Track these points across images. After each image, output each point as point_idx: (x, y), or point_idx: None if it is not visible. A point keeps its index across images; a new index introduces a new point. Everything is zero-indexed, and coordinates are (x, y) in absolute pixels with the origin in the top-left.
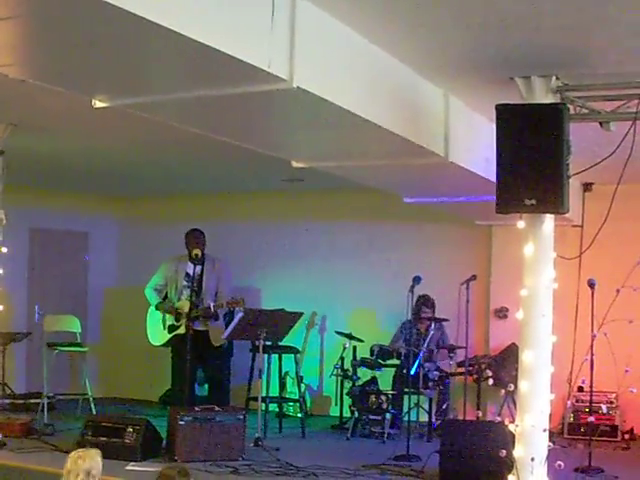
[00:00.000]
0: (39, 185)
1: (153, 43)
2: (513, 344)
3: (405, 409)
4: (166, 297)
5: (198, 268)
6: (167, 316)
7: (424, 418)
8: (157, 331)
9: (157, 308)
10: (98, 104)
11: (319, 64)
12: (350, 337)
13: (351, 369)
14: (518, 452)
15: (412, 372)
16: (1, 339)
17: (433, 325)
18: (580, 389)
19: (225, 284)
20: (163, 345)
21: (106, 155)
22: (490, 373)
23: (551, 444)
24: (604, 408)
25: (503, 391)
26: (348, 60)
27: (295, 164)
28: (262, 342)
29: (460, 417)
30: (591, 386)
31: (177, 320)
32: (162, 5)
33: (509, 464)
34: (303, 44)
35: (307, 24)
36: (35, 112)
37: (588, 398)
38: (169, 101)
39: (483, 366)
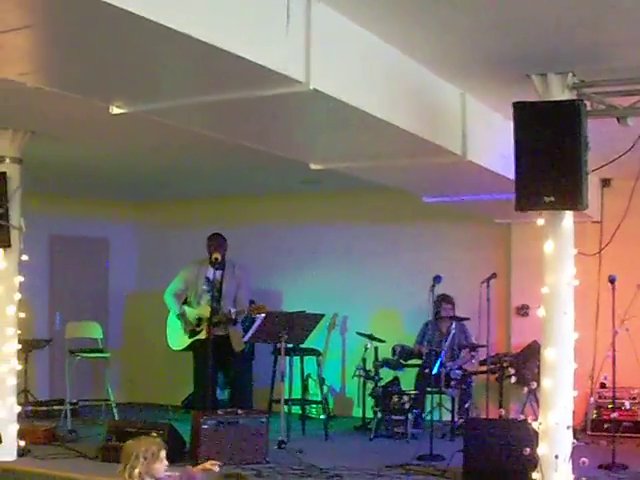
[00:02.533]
0: (58, 192)
1: (170, 48)
2: (535, 342)
3: (428, 409)
4: (186, 301)
5: (218, 273)
6: (189, 322)
7: (447, 417)
8: (177, 336)
9: (177, 318)
10: (116, 110)
11: (335, 66)
12: (371, 338)
13: (373, 370)
14: (542, 450)
15: (434, 372)
16: (23, 346)
17: (454, 324)
18: (602, 385)
19: (245, 290)
20: (183, 350)
21: (124, 161)
22: (512, 371)
23: (575, 441)
24: (627, 404)
25: (526, 389)
26: (364, 61)
27: (313, 166)
28: (284, 344)
29: (483, 416)
30: (613, 382)
31: (198, 325)
32: (178, 10)
33: (533, 462)
34: (319, 46)
35: (323, 26)
36: (53, 119)
37: (611, 394)
38: (186, 106)
39: (505, 364)
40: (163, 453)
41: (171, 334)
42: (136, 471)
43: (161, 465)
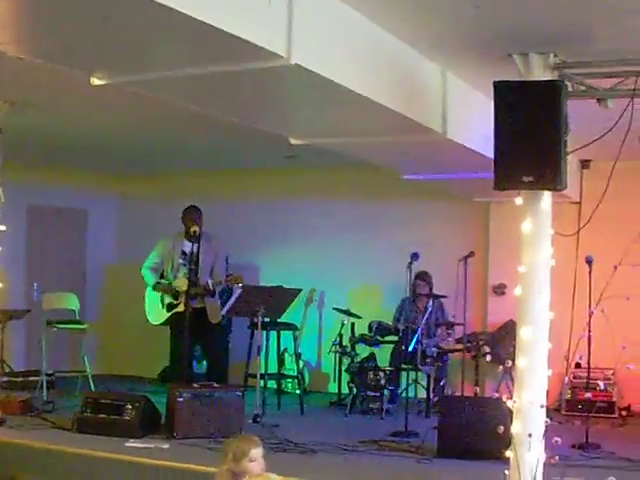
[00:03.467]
0: (37, 163)
1: (152, 21)
2: (511, 320)
3: (403, 385)
4: (162, 275)
5: (194, 246)
6: (165, 295)
7: (422, 394)
8: (156, 310)
9: (155, 288)
10: (96, 82)
11: (317, 41)
12: (348, 314)
13: (349, 345)
14: (515, 428)
15: (410, 348)
16: (0, 317)
17: (431, 302)
18: (577, 365)
19: (221, 261)
20: (162, 324)
21: (105, 132)
22: (488, 349)
23: (548, 420)
24: (601, 385)
25: (501, 367)
26: (346, 37)
27: (293, 141)
28: (260, 319)
29: (458, 393)
30: (588, 363)
31: (175, 298)
32: None
33: (507, 440)
34: (301, 21)
35: (305, 1)
36: (32, 90)
37: (585, 375)
38: (168, 79)
39: (481, 343)
40: (254, 453)
41: (149, 308)
42: (224, 468)
43: (252, 464)
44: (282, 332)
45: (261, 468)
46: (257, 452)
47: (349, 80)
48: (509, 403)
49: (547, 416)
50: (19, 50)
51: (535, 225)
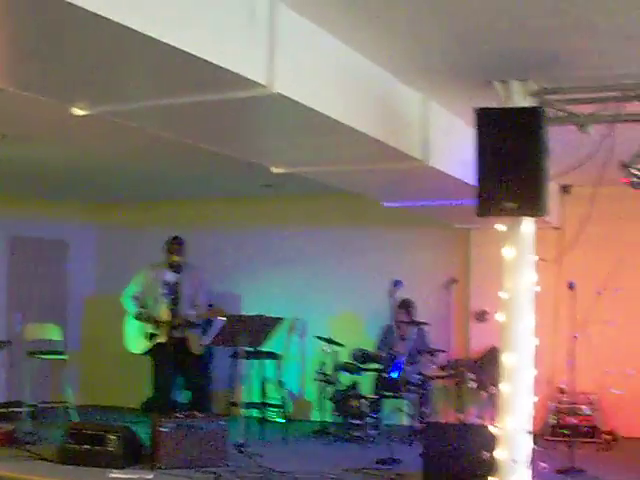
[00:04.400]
0: (18, 193)
1: (132, 50)
2: (494, 347)
3: (386, 413)
4: (143, 305)
5: (176, 276)
6: (147, 325)
7: (406, 422)
8: (137, 339)
9: (136, 318)
10: (77, 112)
11: (298, 70)
12: (330, 342)
13: (332, 374)
14: (500, 454)
15: (393, 376)
16: None
17: (413, 329)
18: (561, 391)
19: (203, 292)
20: (143, 354)
21: (85, 163)
22: (471, 376)
23: (535, 446)
24: (585, 409)
25: (484, 394)
26: (328, 66)
27: (275, 170)
28: (243, 348)
29: (442, 420)
30: (572, 388)
31: (157, 328)
32: (140, 11)
33: (491, 466)
34: (283, 50)
35: (287, 30)
36: (12, 121)
37: (569, 400)
38: (149, 108)
39: (464, 369)
40: None
41: (130, 337)
42: None
43: None
44: (264, 361)
45: None
46: None
47: (331, 109)
48: (493, 429)
49: (533, 442)
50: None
51: (517, 251)
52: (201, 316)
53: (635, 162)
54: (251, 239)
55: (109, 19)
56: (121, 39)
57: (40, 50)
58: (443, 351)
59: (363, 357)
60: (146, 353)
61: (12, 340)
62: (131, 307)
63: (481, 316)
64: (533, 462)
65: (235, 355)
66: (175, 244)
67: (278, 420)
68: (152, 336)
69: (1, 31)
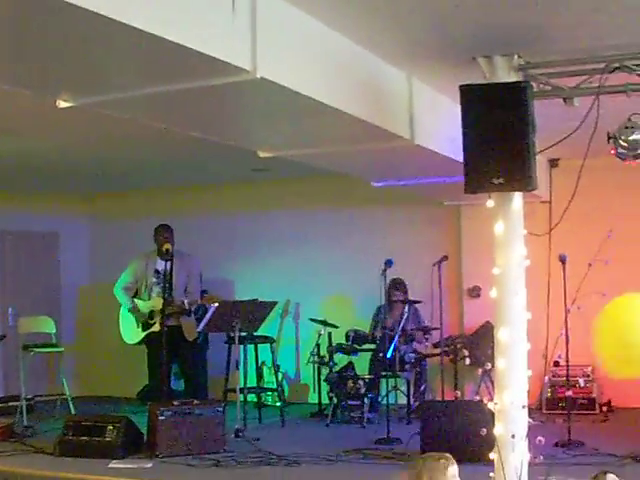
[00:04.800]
0: (6, 187)
1: (114, 40)
2: (487, 322)
3: (383, 393)
4: (136, 294)
5: (168, 264)
6: (141, 316)
7: (402, 401)
8: (131, 330)
9: (130, 311)
10: (62, 104)
11: (281, 53)
12: (324, 324)
13: (327, 355)
14: (498, 430)
15: (388, 355)
16: None
17: (407, 308)
18: (556, 364)
19: (195, 279)
20: (138, 343)
21: (73, 154)
22: (466, 353)
23: (531, 420)
24: (581, 382)
25: (480, 370)
26: (309, 48)
27: (262, 154)
28: (237, 333)
29: (438, 398)
30: (567, 360)
31: (151, 318)
32: (122, 1)
33: (490, 442)
34: (265, 34)
35: (268, 14)
36: (0, 114)
37: (565, 372)
38: (133, 98)
39: (459, 346)
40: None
41: (124, 328)
42: None
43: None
44: (259, 345)
45: None
46: (454, 469)
47: (315, 91)
48: (490, 405)
49: (529, 416)
50: None
51: (507, 226)
52: (194, 302)
53: (622, 133)
54: (242, 224)
55: (92, 11)
56: (105, 30)
57: (22, 44)
58: (437, 328)
59: (357, 337)
60: (141, 342)
61: (6, 334)
62: (124, 299)
63: (474, 292)
64: (529, 436)
65: (230, 340)
66: (164, 232)
67: (275, 404)
68: (146, 325)
69: None
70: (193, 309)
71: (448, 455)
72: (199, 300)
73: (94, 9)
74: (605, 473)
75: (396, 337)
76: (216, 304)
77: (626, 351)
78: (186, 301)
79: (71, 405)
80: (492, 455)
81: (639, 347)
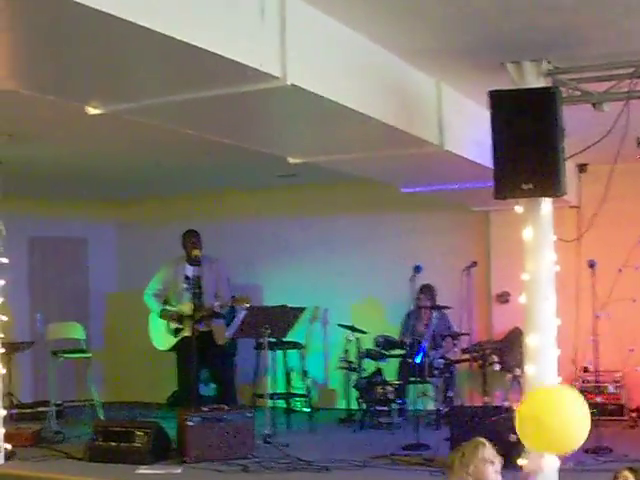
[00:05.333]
0: (36, 193)
1: (143, 47)
2: (516, 328)
3: (411, 398)
4: (166, 301)
5: (196, 269)
6: (172, 321)
7: (431, 406)
8: (162, 336)
9: (161, 316)
10: (92, 111)
11: (311, 60)
12: (353, 329)
13: (356, 361)
14: None
15: (417, 361)
16: (5, 349)
17: (435, 313)
18: (585, 370)
19: (224, 283)
20: (169, 350)
21: (101, 160)
22: (495, 358)
23: None
24: (610, 388)
25: (509, 375)
26: (339, 54)
27: (292, 160)
28: (266, 339)
29: (467, 404)
30: (596, 366)
31: (181, 323)
32: (151, 8)
33: (519, 448)
34: (294, 41)
35: (297, 20)
36: (29, 121)
37: (594, 378)
38: (163, 105)
39: (488, 352)
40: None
41: (155, 334)
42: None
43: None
44: (288, 351)
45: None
46: (492, 452)
47: (345, 97)
48: None
49: None
50: (13, 84)
51: (537, 232)
52: (225, 305)
53: None
54: (270, 229)
55: (123, 19)
56: (135, 37)
57: (54, 51)
58: (466, 334)
59: (386, 343)
60: (172, 349)
61: (36, 340)
62: (154, 305)
63: (502, 298)
64: None
65: (259, 346)
66: (192, 237)
67: (304, 410)
68: (177, 331)
69: (15, 33)
70: (224, 312)
71: (481, 439)
72: (229, 302)
73: (124, 16)
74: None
75: (425, 343)
76: (246, 305)
77: None
78: (217, 304)
79: (100, 411)
80: (520, 461)
81: None
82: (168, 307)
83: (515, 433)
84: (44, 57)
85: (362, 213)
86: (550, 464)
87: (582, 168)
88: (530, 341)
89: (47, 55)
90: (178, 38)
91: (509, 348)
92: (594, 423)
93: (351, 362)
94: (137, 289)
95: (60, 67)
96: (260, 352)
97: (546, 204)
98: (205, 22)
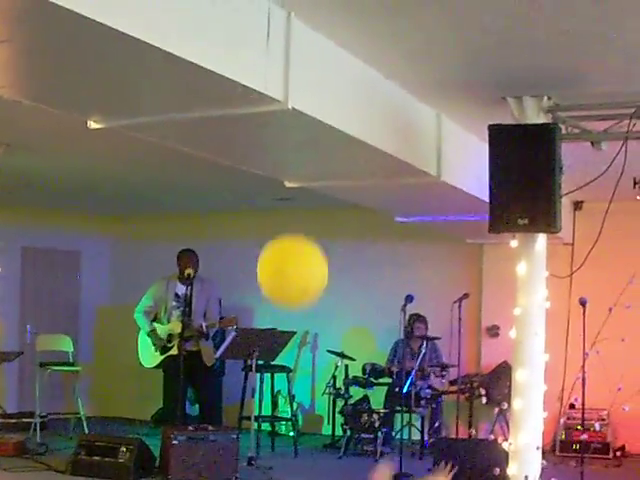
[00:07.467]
0: (31, 204)
1: (148, 64)
2: (505, 362)
3: (397, 427)
4: (156, 318)
5: (187, 288)
6: (159, 340)
7: (416, 436)
8: (149, 353)
9: (148, 335)
10: (93, 125)
11: (314, 85)
12: (342, 356)
13: (343, 387)
14: (512, 470)
15: (404, 390)
16: None
17: (425, 343)
18: (572, 407)
19: (214, 304)
20: (155, 367)
21: (98, 174)
22: (483, 391)
23: (544, 462)
24: (596, 425)
25: (496, 409)
26: (342, 81)
27: (288, 184)
28: (254, 361)
29: (452, 435)
30: (583, 404)
31: (169, 341)
32: (157, 26)
33: None
34: (298, 65)
35: (302, 45)
36: (28, 132)
37: (580, 415)
38: (164, 122)
39: (475, 384)
40: None
41: (142, 352)
42: None
43: None
44: (276, 374)
45: None
46: None
47: (345, 124)
48: (505, 445)
49: (542, 458)
50: (15, 94)
51: (530, 267)
52: (212, 325)
53: None
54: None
55: (127, 34)
56: (139, 54)
57: (59, 64)
58: (454, 366)
59: (374, 371)
60: (158, 366)
61: (24, 351)
62: (144, 324)
63: (492, 331)
64: (542, 478)
65: (246, 368)
66: (187, 256)
67: (289, 433)
68: (164, 349)
69: (19, 45)
70: (211, 332)
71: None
72: (217, 324)
73: (131, 33)
74: None
75: (413, 372)
76: (234, 327)
77: None
78: (204, 324)
79: (85, 425)
80: None
81: None
82: (157, 325)
83: (499, 467)
84: (49, 69)
85: (355, 239)
86: None
87: (578, 205)
88: (518, 376)
89: (52, 67)
90: (182, 57)
91: (497, 381)
92: (578, 460)
93: (338, 388)
94: (128, 304)
95: (65, 80)
96: (248, 374)
97: (540, 240)
98: (210, 42)
